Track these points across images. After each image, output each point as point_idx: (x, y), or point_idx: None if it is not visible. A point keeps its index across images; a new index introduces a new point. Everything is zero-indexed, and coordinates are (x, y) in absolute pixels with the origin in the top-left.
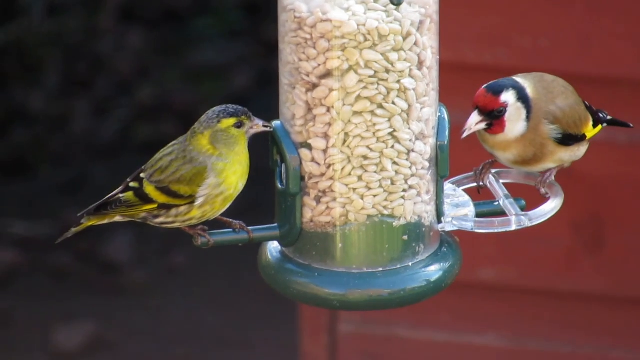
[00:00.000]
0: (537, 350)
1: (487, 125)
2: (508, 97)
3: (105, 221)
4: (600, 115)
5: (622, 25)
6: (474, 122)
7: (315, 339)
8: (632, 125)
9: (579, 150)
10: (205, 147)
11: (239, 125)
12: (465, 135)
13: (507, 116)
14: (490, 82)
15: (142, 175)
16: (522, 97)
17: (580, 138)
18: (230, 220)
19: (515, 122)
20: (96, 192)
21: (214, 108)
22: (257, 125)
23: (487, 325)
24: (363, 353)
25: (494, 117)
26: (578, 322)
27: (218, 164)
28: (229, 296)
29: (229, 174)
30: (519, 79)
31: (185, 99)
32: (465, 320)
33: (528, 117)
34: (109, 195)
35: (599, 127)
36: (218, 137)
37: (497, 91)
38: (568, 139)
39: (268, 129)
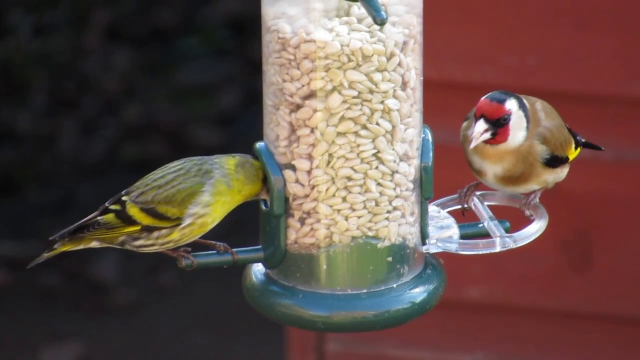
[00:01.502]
0: None
1: (491, 134)
2: (512, 104)
3: (81, 246)
4: (577, 137)
5: (609, 42)
6: (481, 131)
7: (303, 359)
8: (603, 148)
9: (562, 172)
10: (230, 165)
11: (264, 178)
12: (473, 145)
13: (511, 124)
14: (489, 94)
15: (124, 198)
16: (522, 105)
17: (564, 160)
18: (214, 242)
19: (517, 130)
20: (83, 212)
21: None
22: (264, 194)
23: (475, 344)
24: None
25: (500, 125)
26: (566, 340)
27: (221, 184)
28: (216, 316)
29: (220, 199)
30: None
31: (172, 119)
32: (453, 338)
33: (527, 127)
34: (83, 220)
35: (579, 149)
36: (246, 166)
37: (501, 99)
38: (554, 161)
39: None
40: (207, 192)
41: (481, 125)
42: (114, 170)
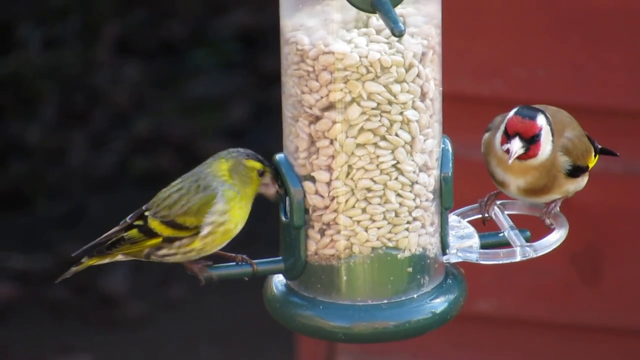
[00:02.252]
0: None
1: (525, 151)
2: (542, 120)
3: (107, 260)
4: (595, 144)
5: (617, 56)
6: (518, 150)
7: None
8: (618, 154)
9: (583, 181)
10: (222, 171)
11: (261, 174)
12: (511, 161)
13: (542, 139)
14: (518, 109)
15: (146, 213)
16: (548, 119)
17: (585, 169)
18: (233, 254)
19: (546, 145)
20: (93, 225)
21: (241, 149)
22: (273, 188)
23: (485, 357)
24: None
25: (533, 142)
26: (575, 353)
27: (229, 191)
28: (226, 330)
29: (235, 205)
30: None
31: (182, 132)
32: (463, 350)
33: (553, 140)
34: (106, 235)
35: (597, 157)
36: (238, 170)
37: (533, 116)
38: (576, 171)
39: (278, 192)
40: (221, 202)
41: (518, 143)
42: (123, 183)
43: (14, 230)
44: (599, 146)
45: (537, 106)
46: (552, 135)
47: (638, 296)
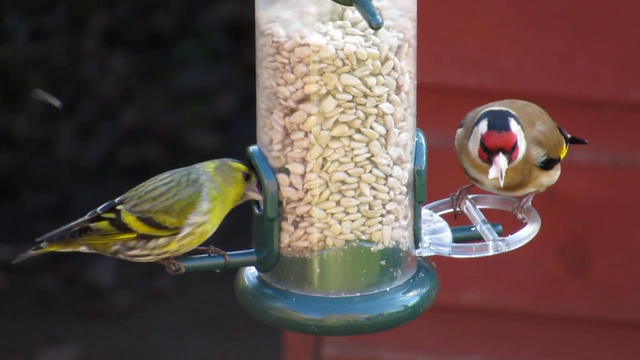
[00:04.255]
0: None
1: (509, 160)
2: (514, 125)
3: (69, 249)
4: (565, 134)
5: (606, 47)
6: (504, 166)
7: None
8: (587, 141)
9: (556, 174)
10: (210, 167)
11: (246, 177)
12: (503, 183)
13: (519, 143)
14: (489, 121)
15: (119, 207)
16: (516, 120)
17: (557, 161)
18: (205, 247)
19: (522, 146)
20: (80, 216)
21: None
22: (256, 194)
23: (472, 348)
24: None
25: (513, 150)
26: (563, 345)
27: (212, 190)
28: (212, 320)
29: (216, 205)
30: (494, 105)
31: (169, 123)
32: (450, 342)
33: (525, 137)
34: (73, 224)
35: (567, 146)
36: (223, 169)
37: (507, 126)
38: (550, 163)
39: (260, 197)
40: (205, 200)
41: (504, 160)
42: (111, 174)
43: (0, 221)
44: (569, 135)
45: (503, 102)
46: (523, 132)
47: (625, 288)
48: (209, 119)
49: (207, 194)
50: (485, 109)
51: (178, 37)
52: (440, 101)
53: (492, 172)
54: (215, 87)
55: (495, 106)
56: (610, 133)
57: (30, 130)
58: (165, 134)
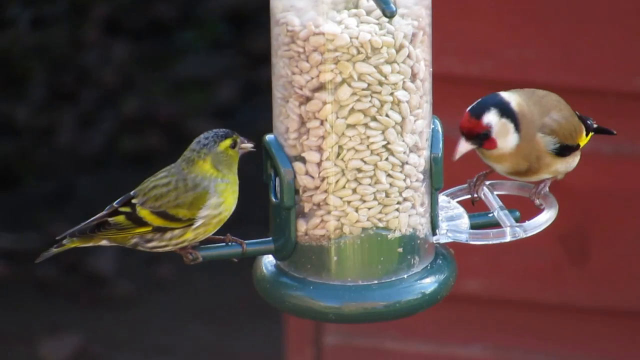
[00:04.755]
0: None
1: (479, 145)
2: (490, 117)
3: (90, 244)
4: (589, 122)
5: (608, 36)
6: (464, 149)
7: (301, 352)
8: (615, 132)
9: (574, 161)
10: (209, 171)
11: (234, 145)
12: (457, 157)
13: (495, 134)
14: (474, 104)
15: (133, 200)
16: (506, 112)
17: (575, 148)
18: (222, 236)
19: (505, 137)
20: (82, 205)
21: (202, 135)
22: (246, 145)
23: (473, 337)
24: None
25: (482, 138)
26: (564, 333)
27: (220, 185)
28: (214, 308)
29: (228, 194)
30: (505, 93)
31: (170, 111)
32: (451, 331)
33: (517, 129)
34: (94, 218)
35: (590, 135)
36: (220, 159)
37: (479, 114)
38: (565, 150)
39: (254, 149)
40: (214, 197)
41: (463, 144)
42: (112, 162)
43: (2, 210)
44: (595, 125)
45: (525, 90)
46: (517, 124)
47: (626, 277)
48: (210, 107)
49: (215, 191)
50: (493, 93)
51: (179, 25)
52: (441, 90)
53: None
54: (216, 75)
55: (507, 92)
56: (611, 122)
57: (31, 118)
58: (166, 123)
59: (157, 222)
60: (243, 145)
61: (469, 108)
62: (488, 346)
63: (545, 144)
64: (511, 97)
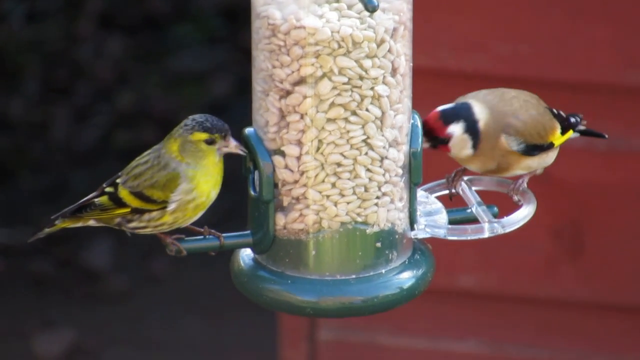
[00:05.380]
0: (518, 356)
1: (432, 146)
2: (456, 129)
3: (80, 224)
4: (572, 119)
5: (602, 31)
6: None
7: (295, 347)
8: (606, 136)
9: (548, 157)
10: (174, 153)
11: (210, 142)
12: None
13: (451, 144)
14: (447, 106)
15: (117, 180)
16: (471, 129)
17: (547, 147)
18: (201, 228)
19: (460, 149)
20: (76, 199)
21: (196, 116)
22: (231, 147)
23: (468, 332)
24: None
25: (439, 142)
26: (558, 328)
27: (188, 170)
28: (208, 303)
29: (200, 181)
30: (478, 105)
31: (164, 106)
32: (446, 326)
33: (475, 146)
34: (85, 199)
35: (570, 132)
36: (186, 147)
37: (447, 121)
38: (533, 149)
39: (242, 153)
40: (185, 182)
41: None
42: (106, 157)
43: None
44: (582, 126)
45: (495, 91)
46: (475, 143)
47: (620, 272)
48: (204, 102)
49: (185, 176)
50: (465, 97)
51: (174, 20)
52: (435, 85)
53: None
54: (210, 70)
55: (477, 101)
56: (605, 117)
57: (25, 113)
58: (160, 117)
59: (135, 203)
60: (226, 150)
61: (440, 108)
62: (482, 341)
63: (509, 144)
64: (481, 115)
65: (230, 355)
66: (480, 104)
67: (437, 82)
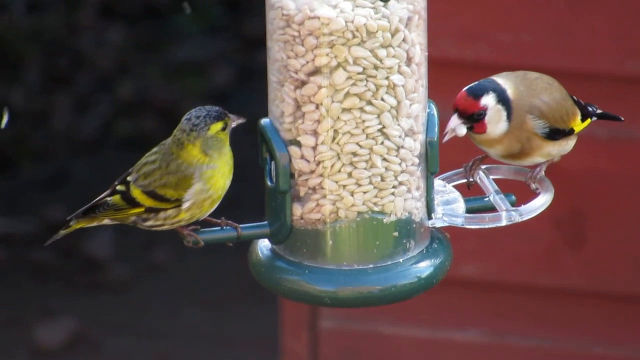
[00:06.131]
0: (519, 346)
1: (468, 127)
2: (488, 100)
3: (95, 223)
4: (590, 109)
5: (603, 20)
6: (455, 125)
7: (296, 336)
8: (622, 118)
9: (567, 145)
10: (197, 156)
11: (224, 128)
12: (446, 139)
13: (487, 119)
14: (471, 85)
15: (128, 178)
16: (502, 99)
17: (568, 132)
18: (218, 220)
19: (496, 124)
20: (77, 189)
21: (194, 113)
22: (237, 122)
23: (468, 321)
24: (344, 349)
25: (474, 120)
26: (559, 318)
27: (206, 172)
28: (210, 293)
29: (217, 178)
30: (501, 79)
31: (165, 95)
32: (447, 316)
33: (509, 117)
34: (98, 198)
35: (588, 120)
36: (209, 144)
37: (477, 95)
38: (555, 133)
39: (243, 120)
40: (199, 183)
41: (455, 120)
42: (107, 146)
43: None
44: (598, 111)
45: (517, 73)
46: (509, 113)
47: (622, 261)
48: (205, 91)
49: (200, 177)
50: (490, 77)
51: (174, 9)
52: (437, 74)
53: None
54: (211, 59)
55: (501, 77)
56: (607, 106)
57: (26, 102)
58: (161, 106)
59: (148, 202)
60: (234, 124)
61: (466, 88)
62: (484, 331)
63: (534, 126)
64: (507, 84)
65: (232, 344)
66: (503, 79)
67: (438, 71)
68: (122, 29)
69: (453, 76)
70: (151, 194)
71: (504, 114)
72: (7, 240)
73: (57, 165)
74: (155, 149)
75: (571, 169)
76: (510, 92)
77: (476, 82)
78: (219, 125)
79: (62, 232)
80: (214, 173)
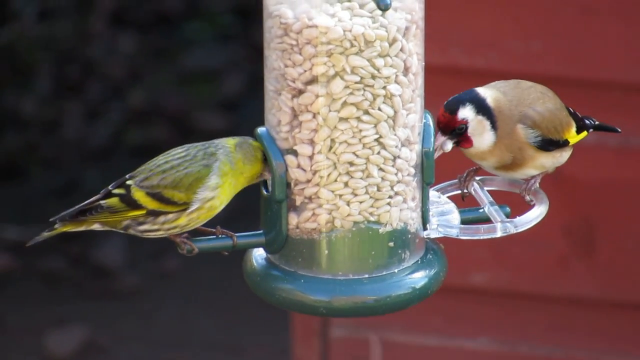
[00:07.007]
0: (529, 354)
1: (454, 143)
2: (466, 112)
3: (82, 228)
4: (587, 122)
5: (614, 28)
6: (440, 143)
7: (307, 344)
8: (619, 130)
9: (561, 156)
10: (230, 143)
11: (264, 158)
12: (435, 156)
13: (470, 131)
14: (449, 99)
15: (128, 182)
16: (482, 108)
17: (562, 144)
18: (213, 229)
19: (480, 135)
20: (88, 196)
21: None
22: (265, 172)
23: (479, 330)
24: (355, 357)
25: (457, 134)
26: (570, 326)
27: (226, 165)
28: (221, 301)
29: (227, 180)
30: (482, 88)
31: (176, 103)
32: (457, 324)
33: (494, 127)
34: (86, 202)
35: (584, 133)
36: (244, 147)
37: (453, 109)
38: (548, 144)
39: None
40: (215, 175)
41: (440, 138)
42: (118, 154)
43: (8, 202)
44: (595, 122)
45: (508, 82)
46: (493, 122)
47: (632, 269)
48: (216, 99)
49: (218, 169)
50: (469, 89)
51: (186, 17)
52: (447, 83)
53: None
54: (222, 67)
55: (485, 87)
56: (617, 114)
57: (38, 110)
58: (172, 115)
59: (152, 205)
60: (266, 175)
61: (446, 102)
62: (495, 339)
63: (526, 135)
64: (487, 93)
65: (243, 352)
66: (485, 88)
67: (448, 79)
68: (133, 37)
69: (464, 84)
70: (156, 197)
71: (486, 123)
72: (18, 248)
73: (68, 173)
74: (179, 150)
75: (581, 177)
76: (490, 100)
77: (453, 96)
78: (259, 151)
79: (46, 235)
80: (229, 171)
